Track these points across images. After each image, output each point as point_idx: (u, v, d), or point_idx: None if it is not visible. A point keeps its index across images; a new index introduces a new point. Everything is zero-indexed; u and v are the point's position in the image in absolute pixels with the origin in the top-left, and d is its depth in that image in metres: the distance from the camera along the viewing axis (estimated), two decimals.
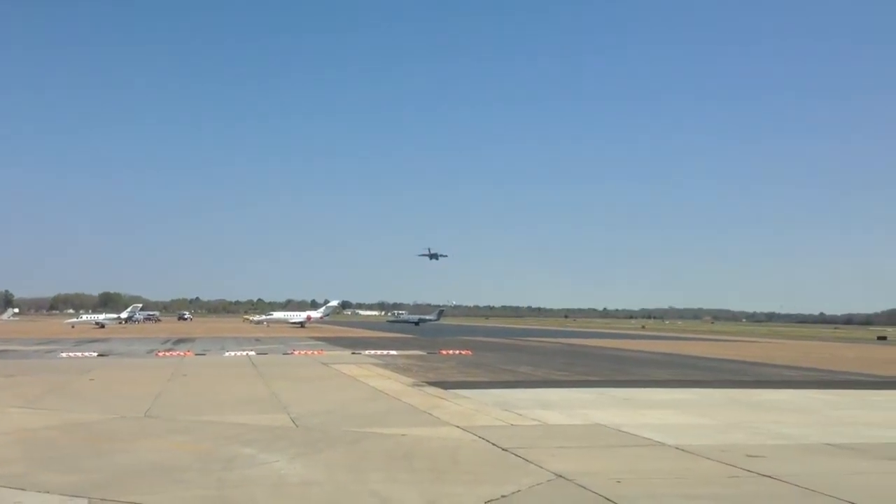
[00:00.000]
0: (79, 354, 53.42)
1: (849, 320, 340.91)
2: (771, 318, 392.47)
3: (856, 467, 16.95)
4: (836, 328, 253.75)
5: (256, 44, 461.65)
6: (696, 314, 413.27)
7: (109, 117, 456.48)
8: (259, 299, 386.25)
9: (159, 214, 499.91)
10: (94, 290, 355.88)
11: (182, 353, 55.87)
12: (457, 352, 61.08)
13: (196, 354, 55.08)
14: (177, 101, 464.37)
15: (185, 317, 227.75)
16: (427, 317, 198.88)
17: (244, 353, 56.16)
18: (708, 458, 17.55)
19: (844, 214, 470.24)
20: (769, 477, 15.58)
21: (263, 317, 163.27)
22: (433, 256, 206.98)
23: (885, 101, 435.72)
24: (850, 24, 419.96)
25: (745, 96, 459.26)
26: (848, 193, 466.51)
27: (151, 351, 59.94)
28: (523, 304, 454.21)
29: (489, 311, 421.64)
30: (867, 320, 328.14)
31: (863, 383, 39.43)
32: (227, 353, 56.15)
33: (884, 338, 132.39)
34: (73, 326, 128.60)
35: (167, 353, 56.20)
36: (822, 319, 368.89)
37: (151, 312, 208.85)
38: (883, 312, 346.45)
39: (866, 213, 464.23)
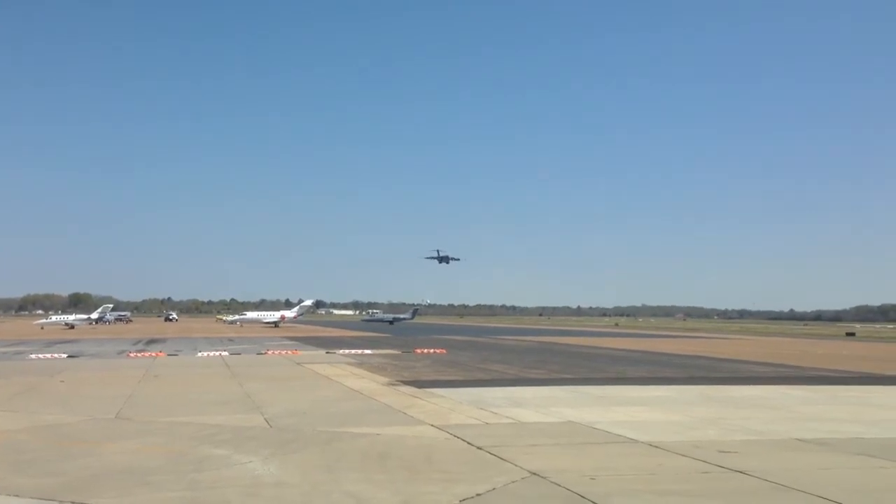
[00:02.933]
0: (48, 356, 52.65)
1: (818, 317, 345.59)
2: (742, 315, 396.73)
3: (825, 462, 17.17)
4: (805, 324, 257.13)
5: (234, 38, 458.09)
6: (668, 312, 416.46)
7: (78, 115, 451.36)
8: (232, 299, 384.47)
9: (130, 214, 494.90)
10: (64, 291, 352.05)
11: (154, 354, 55.31)
12: (431, 351, 61.07)
13: (168, 355, 54.58)
14: (149, 97, 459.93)
15: (172, 317, 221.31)
16: (402, 316, 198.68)
17: (217, 354, 55.73)
18: (680, 455, 17.70)
19: (813, 213, 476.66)
20: (741, 472, 15.75)
21: (237, 317, 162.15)
22: (443, 259, 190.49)
23: (843, 93, 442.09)
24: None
25: (711, 91, 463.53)
26: (815, 192, 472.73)
27: (122, 352, 59.28)
28: (498, 302, 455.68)
29: (464, 310, 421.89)
30: (836, 317, 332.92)
31: (832, 379, 39.96)
32: (199, 354, 55.68)
33: (852, 334, 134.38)
34: (42, 328, 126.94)
35: (138, 354, 55.59)
36: (793, 316, 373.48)
37: (122, 313, 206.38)
38: (851, 309, 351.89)
39: (834, 212, 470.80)
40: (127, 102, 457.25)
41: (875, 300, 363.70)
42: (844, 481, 15.10)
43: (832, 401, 29.71)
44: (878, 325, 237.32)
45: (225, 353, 56.01)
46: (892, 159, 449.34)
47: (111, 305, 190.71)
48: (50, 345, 71.35)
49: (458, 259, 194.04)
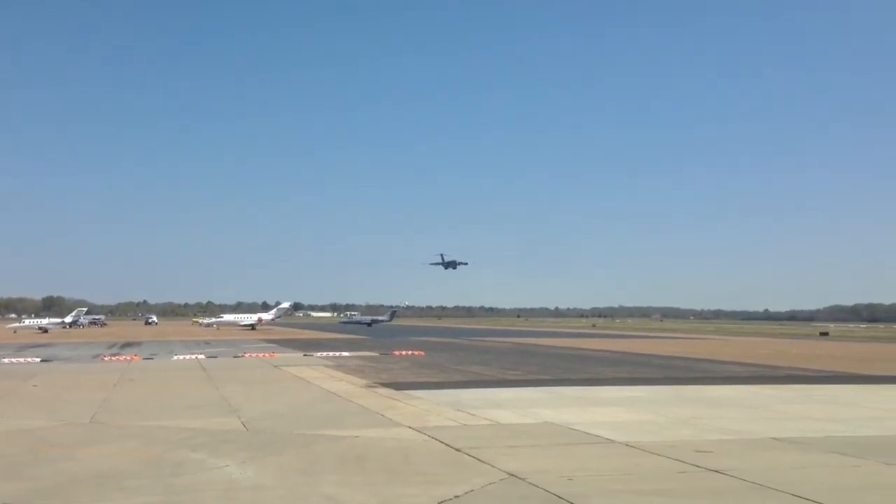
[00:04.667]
0: (21, 360, 52.00)
1: (792, 317, 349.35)
2: (718, 315, 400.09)
3: (800, 461, 17.35)
4: (780, 324, 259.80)
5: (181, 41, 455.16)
6: (645, 312, 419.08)
7: (52, 116, 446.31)
8: (209, 302, 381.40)
9: (103, 216, 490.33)
10: (37, 294, 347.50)
11: (129, 358, 54.82)
12: (409, 352, 61.01)
13: (143, 359, 54.14)
14: (127, 98, 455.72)
15: (152, 320, 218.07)
16: (380, 318, 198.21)
17: (193, 357, 55.34)
18: (657, 455, 17.81)
19: (787, 214, 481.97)
20: (717, 472, 15.87)
21: (213, 319, 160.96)
22: (449, 265, 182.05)
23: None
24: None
25: (694, 90, 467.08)
26: (790, 193, 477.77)
27: (97, 356, 58.64)
28: (476, 304, 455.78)
29: (442, 312, 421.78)
30: (810, 316, 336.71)
31: (806, 378, 40.39)
32: (175, 357, 55.26)
33: (826, 333, 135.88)
34: (15, 332, 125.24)
35: (113, 358, 55.07)
36: (767, 316, 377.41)
37: (97, 316, 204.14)
38: (825, 309, 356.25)
39: (808, 213, 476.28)
40: (104, 103, 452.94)
41: (848, 300, 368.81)
42: (819, 480, 15.27)
43: (807, 400, 30.03)
44: (851, 325, 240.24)
45: (201, 357, 55.61)
46: (864, 160, 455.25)
47: (85, 309, 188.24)
48: (23, 349, 70.47)
49: (466, 263, 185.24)
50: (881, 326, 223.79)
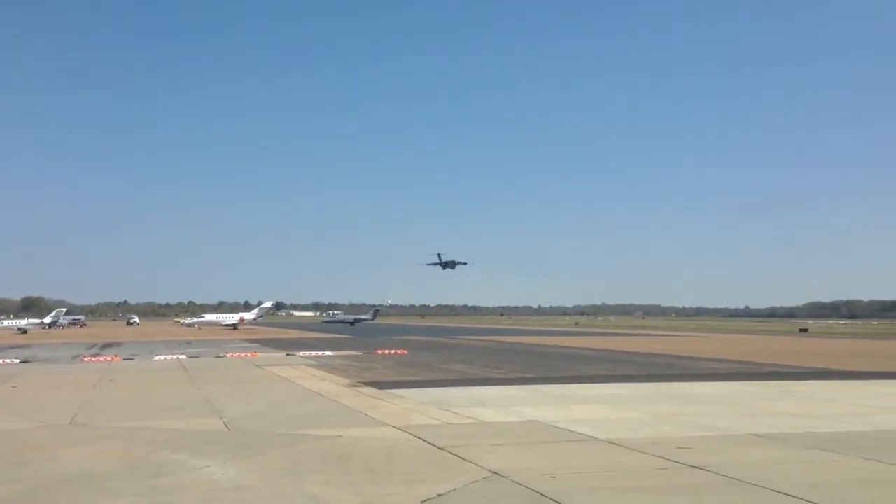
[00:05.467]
0: (0, 361, 51.49)
1: (772, 314, 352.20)
2: (699, 312, 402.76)
3: (780, 457, 17.50)
4: (760, 321, 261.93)
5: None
6: (627, 310, 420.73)
7: (29, 116, 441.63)
8: (190, 301, 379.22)
9: (83, 216, 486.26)
10: (16, 295, 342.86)
11: (109, 359, 54.41)
12: (392, 351, 60.97)
13: (124, 359, 53.75)
14: (105, 99, 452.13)
15: (133, 321, 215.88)
16: (362, 317, 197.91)
17: (175, 357, 55.02)
18: (639, 452, 17.91)
19: (767, 212, 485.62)
20: (698, 468, 15.98)
21: (195, 319, 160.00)
22: (447, 265, 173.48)
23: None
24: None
25: (676, 88, 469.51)
26: (769, 191, 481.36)
27: (77, 356, 58.17)
28: (459, 302, 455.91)
29: (425, 310, 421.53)
30: (790, 313, 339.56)
31: (786, 374, 40.74)
32: (156, 358, 54.91)
33: (805, 330, 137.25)
34: None
35: (93, 359, 54.64)
36: (748, 313, 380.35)
37: (77, 317, 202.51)
38: (804, 305, 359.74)
39: (788, 211, 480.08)
40: (86, 103, 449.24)
41: (827, 297, 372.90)
42: (798, 475, 15.41)
43: (786, 396, 30.29)
44: (830, 322, 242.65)
45: (183, 357, 55.31)
46: (843, 158, 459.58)
47: (65, 309, 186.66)
48: (1, 350, 69.71)
49: (465, 263, 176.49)
50: (860, 323, 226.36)
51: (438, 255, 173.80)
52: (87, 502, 13.60)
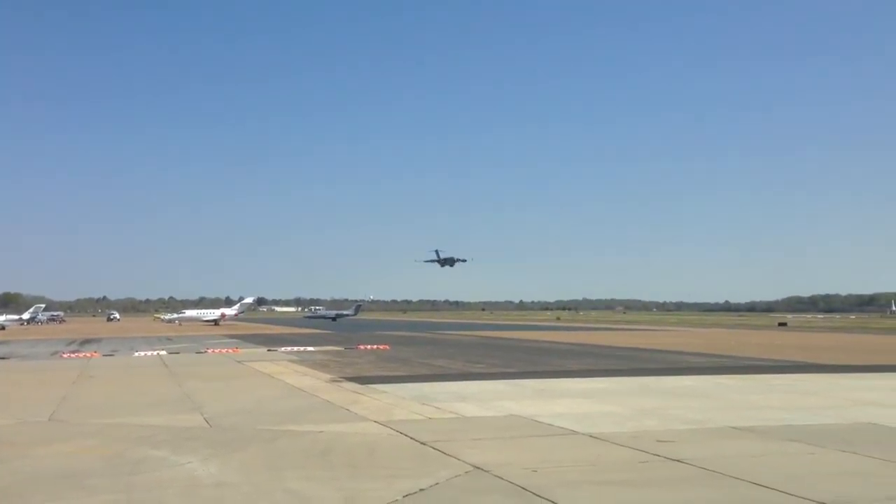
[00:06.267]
0: None
1: (751, 308, 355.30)
2: (680, 307, 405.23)
3: (759, 449, 17.64)
4: (740, 315, 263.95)
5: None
6: (608, 305, 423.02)
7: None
8: (170, 297, 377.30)
9: (62, 211, 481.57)
10: None
11: (88, 355, 53.97)
12: (374, 347, 60.90)
13: (104, 355, 53.32)
14: (79, 95, 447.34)
15: (114, 316, 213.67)
16: (344, 312, 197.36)
17: (155, 353, 54.66)
18: (620, 445, 18.00)
19: (745, 207, 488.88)
20: (678, 461, 16.09)
21: (175, 315, 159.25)
22: (446, 262, 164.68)
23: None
24: None
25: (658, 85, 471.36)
26: (746, 187, 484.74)
27: (56, 353, 57.68)
28: (441, 297, 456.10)
29: (407, 306, 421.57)
30: (769, 307, 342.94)
31: (764, 368, 41.06)
32: (136, 354, 54.53)
33: (784, 324, 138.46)
34: None
35: (72, 355, 54.17)
36: (727, 307, 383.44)
37: (55, 313, 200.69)
38: (783, 300, 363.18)
39: (766, 206, 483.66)
40: (66, 99, 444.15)
41: (806, 291, 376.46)
42: (777, 467, 15.55)
43: (765, 389, 30.53)
44: (808, 315, 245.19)
45: (163, 353, 54.97)
46: (819, 153, 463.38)
47: (43, 305, 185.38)
48: None
49: (465, 260, 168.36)
50: (838, 317, 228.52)
51: (436, 251, 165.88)
52: (65, 499, 13.48)
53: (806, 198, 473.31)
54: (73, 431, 20.79)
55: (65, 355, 54.24)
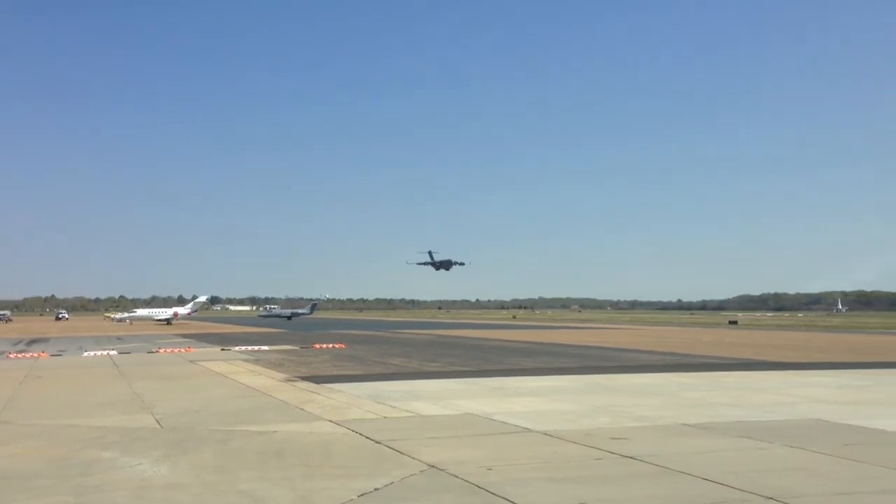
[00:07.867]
0: None
1: (703, 306, 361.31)
2: (634, 305, 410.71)
3: (709, 445, 17.94)
4: (692, 314, 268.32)
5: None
6: (564, 303, 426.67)
7: None
8: (121, 296, 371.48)
9: (8, 206, 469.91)
10: None
11: (36, 355, 52.70)
12: (330, 345, 60.53)
13: (51, 355, 52.13)
14: (43, 89, 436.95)
15: (62, 315, 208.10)
16: (300, 311, 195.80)
17: (105, 353, 53.61)
18: (574, 443, 18.15)
19: (697, 207, 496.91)
20: (631, 458, 16.27)
21: (126, 314, 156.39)
22: (441, 265, 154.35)
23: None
24: None
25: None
26: (697, 186, 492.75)
27: (2, 353, 56.19)
28: (397, 296, 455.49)
29: (363, 304, 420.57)
30: (720, 306, 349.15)
31: (715, 366, 41.76)
32: (86, 353, 53.41)
33: (735, 322, 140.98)
34: None
35: (19, 355, 52.86)
36: (680, 306, 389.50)
37: (1, 312, 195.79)
38: (734, 298, 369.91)
39: (717, 205, 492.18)
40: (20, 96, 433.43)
41: (756, 290, 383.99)
42: (727, 463, 15.82)
43: (716, 387, 31.06)
44: (758, 314, 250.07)
45: (113, 353, 53.93)
46: (774, 157, 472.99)
47: None
48: None
49: (463, 263, 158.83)
50: (787, 315, 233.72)
51: (429, 253, 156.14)
52: (10, 502, 13.15)
53: (757, 200, 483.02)
54: (19, 432, 20.28)
55: (11, 355, 52.88)
